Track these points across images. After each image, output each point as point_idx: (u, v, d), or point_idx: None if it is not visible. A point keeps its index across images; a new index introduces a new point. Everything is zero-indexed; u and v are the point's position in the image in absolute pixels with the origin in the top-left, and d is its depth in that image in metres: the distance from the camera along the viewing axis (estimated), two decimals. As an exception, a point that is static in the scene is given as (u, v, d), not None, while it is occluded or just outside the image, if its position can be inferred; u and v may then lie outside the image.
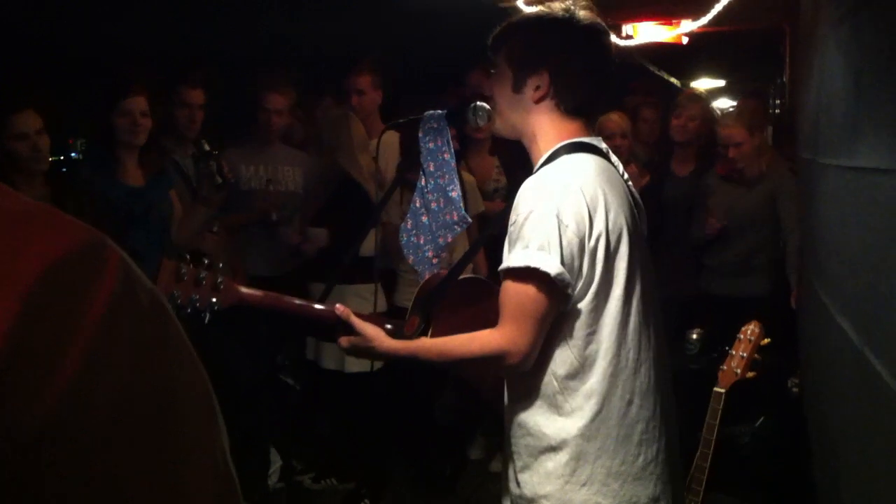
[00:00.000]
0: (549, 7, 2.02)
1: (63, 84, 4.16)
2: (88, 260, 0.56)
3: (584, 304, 1.88)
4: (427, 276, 2.39)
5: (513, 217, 1.90)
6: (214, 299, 1.99)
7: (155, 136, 3.66)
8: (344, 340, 2.06)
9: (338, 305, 2.09)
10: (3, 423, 0.50)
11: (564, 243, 1.82)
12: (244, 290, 2.07)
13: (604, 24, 2.04)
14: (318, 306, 2.15)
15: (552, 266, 1.81)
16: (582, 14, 2.00)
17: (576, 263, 1.85)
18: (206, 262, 2.02)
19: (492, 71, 2.10)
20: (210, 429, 0.61)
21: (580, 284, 1.87)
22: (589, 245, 1.86)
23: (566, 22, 1.99)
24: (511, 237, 1.90)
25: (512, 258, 1.87)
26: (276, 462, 4.44)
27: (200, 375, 0.62)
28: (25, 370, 0.51)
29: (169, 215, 3.64)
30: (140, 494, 0.55)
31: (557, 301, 1.86)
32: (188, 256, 2.00)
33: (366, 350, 2.04)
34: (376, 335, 2.04)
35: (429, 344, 2.03)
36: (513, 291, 1.87)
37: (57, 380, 0.52)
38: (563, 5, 2.01)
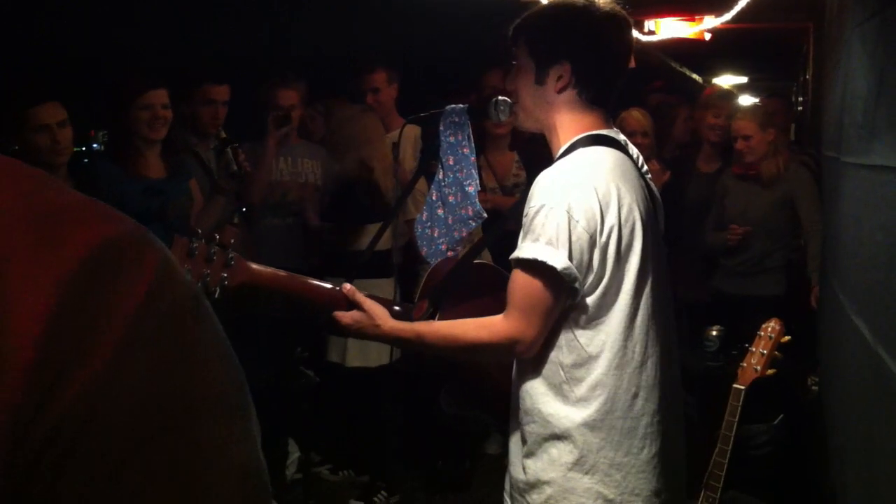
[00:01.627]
0: None
1: (83, 78, 4.19)
2: (128, 252, 0.56)
3: (593, 297, 1.90)
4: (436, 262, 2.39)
5: (526, 208, 1.92)
6: (225, 275, 1.99)
7: (175, 130, 3.68)
8: (346, 317, 2.06)
9: (345, 284, 2.10)
10: (39, 410, 0.51)
11: (574, 238, 1.85)
12: (255, 266, 2.06)
13: (622, 11, 2.04)
14: (325, 285, 2.15)
15: (559, 261, 1.84)
16: (601, 4, 2.01)
17: (585, 258, 1.87)
18: (216, 238, 2.02)
19: (513, 63, 2.10)
20: (240, 430, 0.60)
21: (590, 279, 1.89)
22: (600, 241, 1.87)
23: (585, 11, 2.00)
24: (524, 228, 1.92)
25: (522, 249, 1.90)
26: (295, 453, 4.46)
27: (234, 375, 0.61)
28: (62, 357, 0.51)
29: (188, 208, 3.67)
30: (161, 494, 0.55)
31: (564, 294, 1.89)
32: (199, 232, 2.00)
33: (370, 328, 2.05)
34: (381, 314, 2.05)
35: (435, 326, 2.04)
36: (522, 282, 1.90)
37: (90, 367, 0.52)
38: None
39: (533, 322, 1.89)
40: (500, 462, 4.61)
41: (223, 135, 3.66)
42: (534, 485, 1.97)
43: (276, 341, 4.14)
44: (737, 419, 2.70)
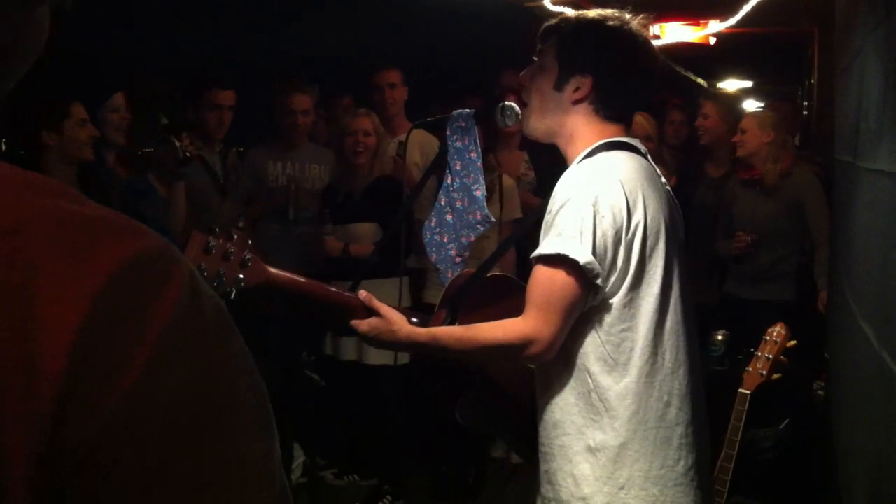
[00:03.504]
0: (606, 13, 2.02)
1: (91, 80, 4.22)
2: (156, 267, 0.56)
3: (617, 299, 1.86)
4: (452, 275, 2.39)
5: (550, 206, 1.89)
6: (241, 276, 1.97)
7: (160, 120, 3.78)
8: (363, 324, 2.03)
9: (361, 291, 2.08)
10: (68, 423, 0.51)
11: (599, 233, 1.81)
12: (271, 270, 2.04)
13: (650, 37, 2.05)
14: (345, 293, 2.13)
15: (582, 254, 1.79)
16: (636, 27, 2.00)
17: (609, 255, 1.83)
18: (235, 237, 2.00)
19: (534, 58, 2.09)
20: (266, 442, 0.61)
21: (613, 277, 1.85)
22: (626, 237, 1.84)
23: (622, 33, 1.99)
24: (546, 226, 1.89)
25: (543, 245, 1.86)
26: (300, 457, 4.46)
27: (259, 387, 0.61)
28: (92, 370, 0.52)
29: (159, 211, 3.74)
30: None
31: (585, 291, 1.84)
32: (218, 230, 1.99)
33: (387, 333, 2.02)
34: (399, 319, 2.02)
35: (450, 330, 2.01)
36: (541, 279, 1.86)
37: (122, 380, 0.52)
38: (619, 14, 2.01)
39: (551, 320, 1.83)
40: (507, 467, 4.62)
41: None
42: (567, 501, 1.90)
43: (282, 345, 4.14)
44: (742, 424, 2.70)
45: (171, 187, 3.79)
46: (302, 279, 2.09)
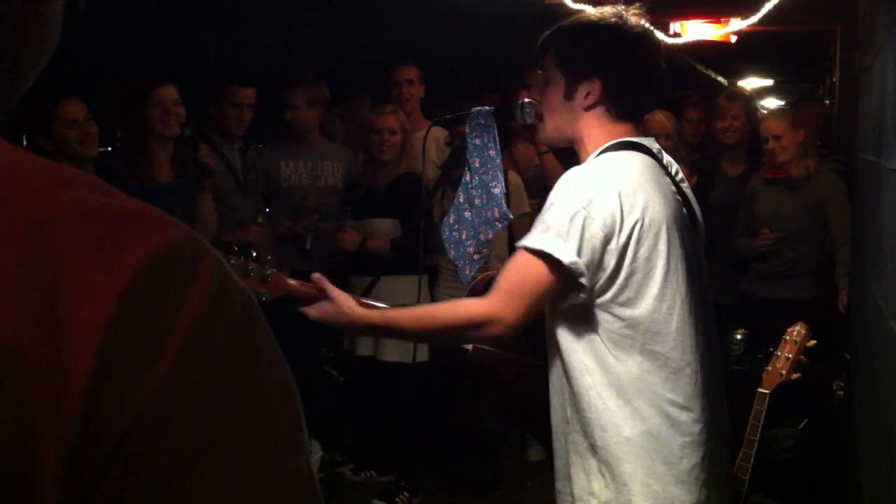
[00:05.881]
0: (600, 12, 2.02)
1: (100, 80, 4.24)
2: (185, 260, 0.56)
3: (610, 298, 1.88)
4: (470, 272, 2.40)
5: (547, 200, 1.92)
6: (263, 290, 2.00)
7: (185, 131, 3.68)
8: (313, 308, 2.03)
9: (314, 274, 2.07)
10: (97, 419, 0.51)
11: (586, 236, 1.83)
12: (292, 282, 2.08)
13: (653, 29, 2.04)
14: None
15: (565, 254, 1.82)
16: (633, 20, 2.00)
17: (595, 257, 1.84)
18: (253, 254, 2.03)
19: (539, 72, 2.10)
20: (295, 434, 0.60)
21: (603, 278, 1.86)
22: (617, 242, 1.85)
23: (618, 29, 1.99)
24: (539, 217, 1.91)
25: (529, 238, 1.88)
26: (317, 453, 4.48)
27: (288, 379, 0.61)
28: (120, 366, 0.52)
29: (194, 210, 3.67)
30: (223, 501, 0.55)
31: (562, 287, 1.86)
32: (236, 248, 2.02)
33: (337, 316, 2.01)
34: (347, 301, 2.02)
35: (406, 310, 2.04)
36: (519, 266, 1.89)
37: (152, 375, 0.52)
38: (614, 11, 2.01)
39: (516, 306, 1.86)
40: (524, 466, 4.62)
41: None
42: (578, 497, 1.94)
43: (301, 341, 4.15)
44: (761, 423, 2.68)
45: (197, 200, 3.68)
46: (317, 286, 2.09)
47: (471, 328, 1.92)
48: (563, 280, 1.85)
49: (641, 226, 1.87)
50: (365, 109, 5.25)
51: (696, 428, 1.92)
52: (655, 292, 1.89)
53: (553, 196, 1.90)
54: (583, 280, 1.84)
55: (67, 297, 0.51)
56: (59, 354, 0.50)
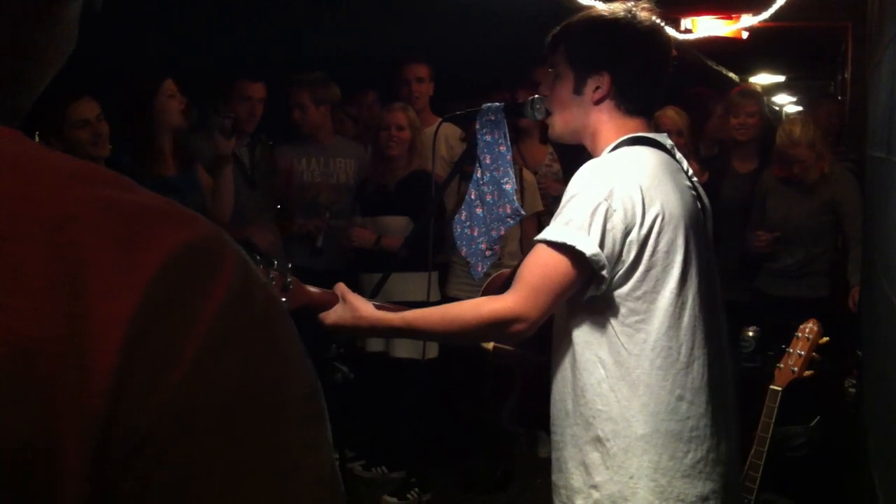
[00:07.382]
0: (610, 8, 2.02)
1: (106, 78, 4.25)
2: (207, 255, 0.56)
3: (630, 292, 1.87)
4: (482, 269, 2.40)
5: (564, 195, 1.91)
6: (284, 300, 1.99)
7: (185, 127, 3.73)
8: (329, 314, 2.02)
9: (338, 284, 2.07)
10: (120, 417, 0.51)
11: (608, 227, 1.82)
12: (313, 290, 2.07)
13: (663, 24, 2.04)
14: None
15: (588, 246, 1.80)
16: (643, 15, 2.00)
17: (616, 249, 1.84)
18: (274, 263, 2.02)
19: (549, 69, 2.10)
20: (317, 430, 0.60)
21: (622, 270, 1.86)
22: (638, 234, 1.84)
23: (628, 23, 1.99)
24: (558, 211, 1.90)
25: (550, 231, 1.87)
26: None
27: (310, 376, 0.61)
28: (143, 364, 0.52)
29: (203, 202, 3.69)
30: (247, 495, 0.55)
31: (582, 281, 1.85)
32: (258, 257, 2.01)
33: (353, 320, 2.01)
34: (364, 305, 2.01)
35: (426, 311, 2.00)
36: (541, 261, 1.86)
37: (174, 372, 0.52)
38: (623, 6, 2.01)
39: (540, 302, 1.84)
40: (536, 463, 4.62)
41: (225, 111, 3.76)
42: (578, 490, 1.94)
43: (312, 337, 4.16)
44: (773, 420, 2.68)
45: (216, 172, 3.73)
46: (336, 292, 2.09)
47: (497, 327, 1.89)
48: (586, 273, 1.84)
49: (662, 219, 1.87)
50: (372, 106, 5.27)
51: (703, 422, 1.93)
52: (673, 286, 1.89)
53: (572, 189, 1.89)
54: (604, 272, 1.84)
55: (90, 295, 0.51)
56: (81, 353, 0.50)
